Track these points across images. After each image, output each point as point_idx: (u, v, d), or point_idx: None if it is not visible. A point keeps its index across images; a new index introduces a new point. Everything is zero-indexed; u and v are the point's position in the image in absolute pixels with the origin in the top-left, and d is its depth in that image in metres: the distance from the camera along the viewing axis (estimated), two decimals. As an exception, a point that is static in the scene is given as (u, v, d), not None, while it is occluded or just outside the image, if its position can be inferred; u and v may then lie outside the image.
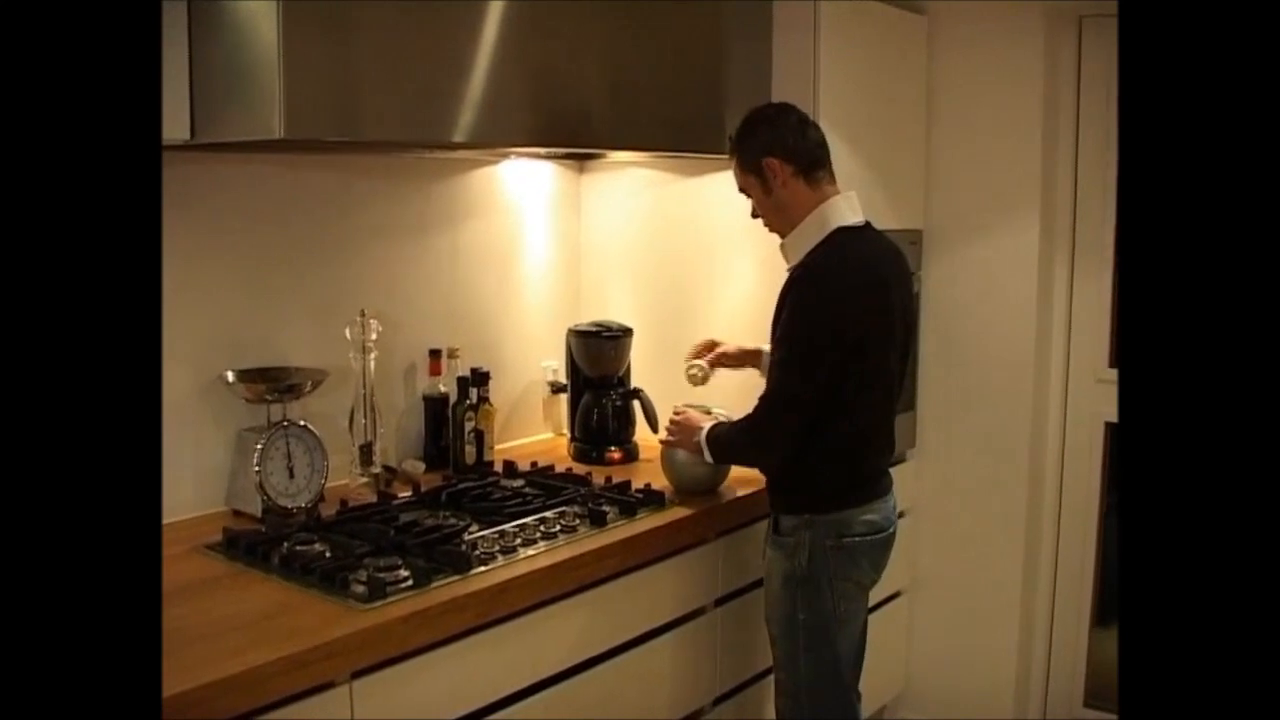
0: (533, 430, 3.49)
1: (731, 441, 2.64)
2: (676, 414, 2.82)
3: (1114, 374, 3.38)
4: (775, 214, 2.59)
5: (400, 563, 2.23)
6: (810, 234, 2.53)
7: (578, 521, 2.57)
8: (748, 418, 2.57)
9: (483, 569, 2.28)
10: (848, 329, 2.45)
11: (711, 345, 2.98)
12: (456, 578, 2.23)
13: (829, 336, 2.44)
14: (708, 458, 2.71)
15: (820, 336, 2.45)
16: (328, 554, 2.31)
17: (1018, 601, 3.54)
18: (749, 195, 2.63)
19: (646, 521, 2.63)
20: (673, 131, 2.97)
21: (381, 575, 2.16)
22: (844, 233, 2.53)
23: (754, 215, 2.66)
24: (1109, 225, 3.36)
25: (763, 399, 2.53)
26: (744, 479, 2.92)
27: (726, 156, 2.68)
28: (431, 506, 2.68)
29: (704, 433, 2.68)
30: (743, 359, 2.94)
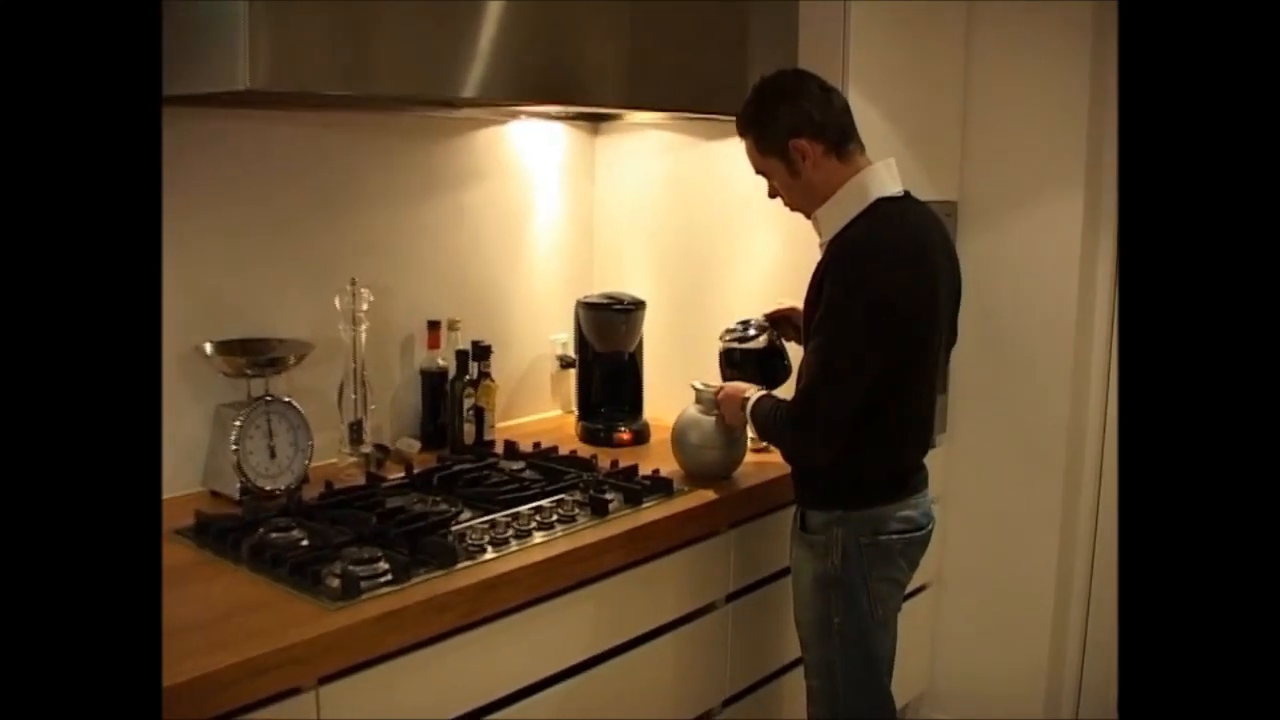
0: (539, 407, 3.31)
1: (775, 427, 2.39)
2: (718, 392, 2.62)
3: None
4: (803, 195, 2.36)
5: (381, 554, 2.05)
6: (849, 204, 2.29)
7: (577, 510, 2.38)
8: (792, 405, 2.32)
9: (469, 563, 2.10)
10: (897, 306, 2.22)
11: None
12: (440, 572, 2.05)
13: (879, 314, 2.20)
14: (750, 431, 2.54)
15: (870, 314, 2.20)
16: (304, 542, 2.14)
17: (1051, 597, 3.33)
18: (769, 178, 2.41)
19: (652, 511, 2.44)
20: (693, 91, 2.76)
21: (357, 569, 1.98)
22: (886, 203, 2.30)
23: (772, 195, 2.44)
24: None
25: (803, 395, 2.28)
26: (762, 464, 2.73)
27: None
28: (422, 490, 2.50)
29: (749, 403, 2.46)
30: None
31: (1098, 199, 3.18)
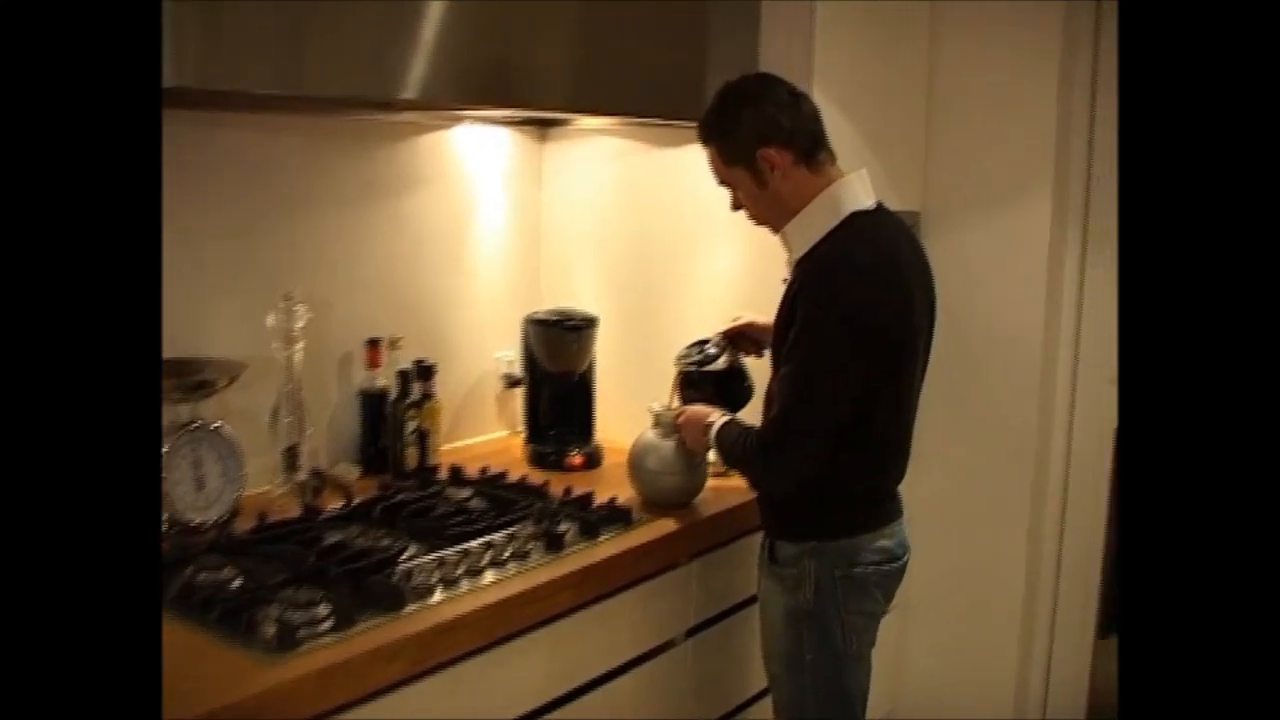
0: (484, 428, 3.13)
1: (745, 454, 2.23)
2: (679, 416, 2.48)
3: (1127, 374, 3.07)
4: (770, 208, 2.21)
5: (320, 597, 1.88)
6: (820, 219, 2.14)
7: (531, 545, 2.21)
8: (761, 436, 2.18)
9: (417, 606, 1.93)
10: (874, 320, 2.08)
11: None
12: (386, 617, 1.88)
13: (856, 329, 2.06)
14: (711, 456, 2.41)
15: (846, 328, 2.06)
16: (236, 583, 1.96)
17: (1018, 615, 3.23)
18: (733, 189, 2.26)
19: (609, 545, 2.28)
20: (646, 95, 2.61)
21: (295, 616, 1.81)
22: (859, 218, 2.16)
23: (736, 208, 2.29)
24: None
25: (776, 419, 2.13)
26: (723, 490, 2.59)
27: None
28: (363, 522, 2.32)
29: (714, 429, 2.32)
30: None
31: (1065, 206, 3.08)
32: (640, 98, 2.61)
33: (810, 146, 2.17)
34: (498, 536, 2.23)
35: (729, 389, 2.57)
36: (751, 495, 2.40)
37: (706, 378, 2.55)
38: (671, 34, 2.64)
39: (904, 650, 3.36)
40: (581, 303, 3.06)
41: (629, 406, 2.81)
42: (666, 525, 2.41)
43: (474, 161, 3.02)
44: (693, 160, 2.81)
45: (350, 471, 2.63)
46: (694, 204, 2.91)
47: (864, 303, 2.08)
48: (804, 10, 2.64)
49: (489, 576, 2.07)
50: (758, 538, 2.39)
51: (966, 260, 3.12)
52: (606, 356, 3.01)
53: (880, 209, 2.22)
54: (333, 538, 2.20)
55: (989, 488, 3.22)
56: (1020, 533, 3.20)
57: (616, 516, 2.39)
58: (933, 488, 3.24)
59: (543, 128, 3.16)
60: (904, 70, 3.09)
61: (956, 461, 3.23)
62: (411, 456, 2.71)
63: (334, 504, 2.42)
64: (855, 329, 2.07)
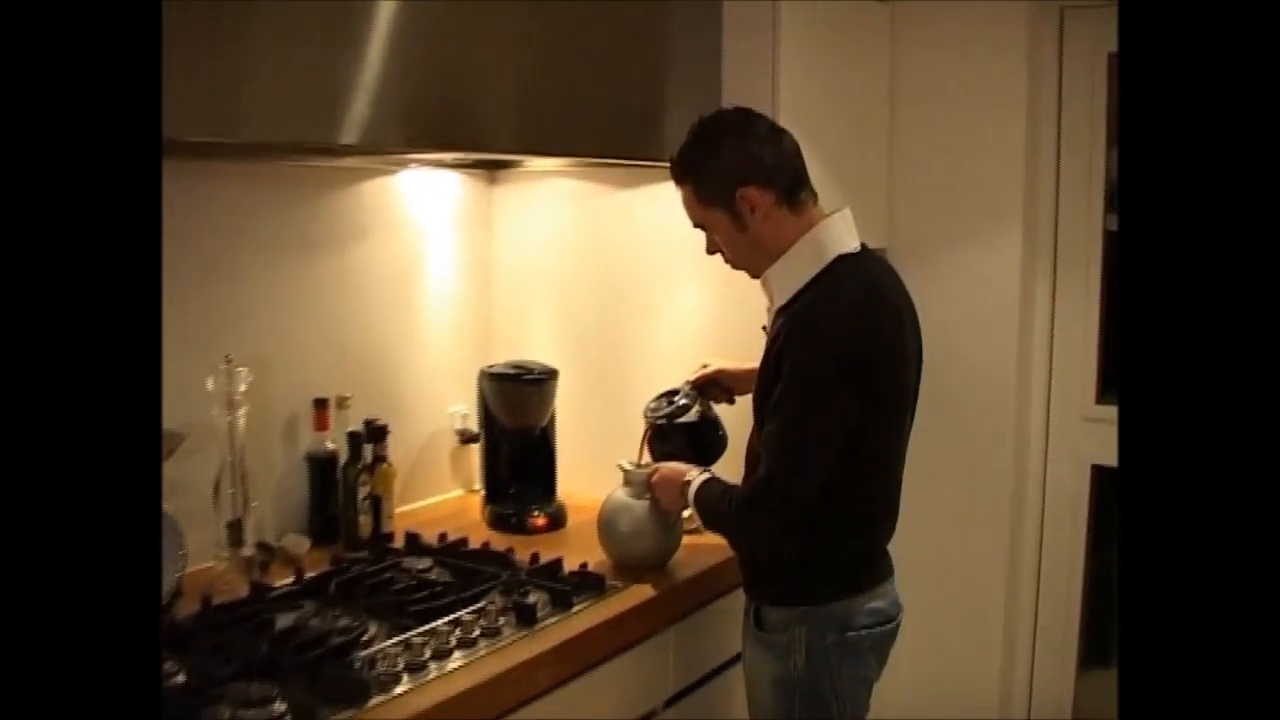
0: (439, 488, 2.97)
1: (729, 514, 2.10)
2: (652, 474, 2.33)
3: (1102, 412, 2.99)
4: (749, 252, 2.08)
5: (276, 692, 1.71)
6: (804, 263, 2.02)
7: (501, 620, 2.06)
8: (745, 494, 2.05)
9: (383, 697, 1.77)
10: (863, 360, 1.95)
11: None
12: (350, 713, 1.71)
13: (845, 373, 1.94)
14: (688, 513, 2.26)
15: (834, 378, 1.94)
16: (179, 679, 1.78)
17: (999, 648, 3.14)
18: (709, 232, 2.13)
19: (584, 617, 2.13)
20: (601, 134, 2.48)
21: (248, 715, 1.65)
22: (844, 262, 2.03)
23: (711, 251, 2.16)
24: (1096, 241, 2.95)
25: (768, 469, 2.00)
26: (697, 548, 2.45)
27: (669, 172, 2.15)
28: (317, 599, 2.15)
29: (693, 488, 2.18)
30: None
31: (1035, 239, 2.99)
32: (595, 137, 2.48)
33: (792, 185, 2.04)
34: (465, 613, 2.07)
35: (702, 440, 2.44)
36: (726, 556, 2.28)
37: (678, 430, 2.42)
38: (627, 71, 2.52)
39: (882, 686, 3.24)
40: (537, 353, 2.91)
41: (592, 461, 2.69)
42: (643, 591, 2.27)
43: (421, 207, 2.88)
44: (653, 201, 2.70)
45: (300, 543, 2.46)
46: (655, 247, 2.79)
47: (853, 336, 1.96)
48: (766, 41, 2.52)
49: (458, 659, 1.91)
50: (735, 598, 2.27)
51: (936, 298, 2.99)
52: (566, 409, 2.86)
53: (865, 251, 2.09)
54: (285, 620, 2.04)
55: (966, 522, 3.12)
56: (999, 566, 3.11)
57: (589, 584, 2.25)
58: (907, 525, 3.13)
59: (492, 170, 3.03)
60: (867, 103, 2.99)
61: (933, 499, 3.10)
62: (365, 524, 2.55)
63: (284, 579, 2.26)
64: (844, 363, 1.95)
